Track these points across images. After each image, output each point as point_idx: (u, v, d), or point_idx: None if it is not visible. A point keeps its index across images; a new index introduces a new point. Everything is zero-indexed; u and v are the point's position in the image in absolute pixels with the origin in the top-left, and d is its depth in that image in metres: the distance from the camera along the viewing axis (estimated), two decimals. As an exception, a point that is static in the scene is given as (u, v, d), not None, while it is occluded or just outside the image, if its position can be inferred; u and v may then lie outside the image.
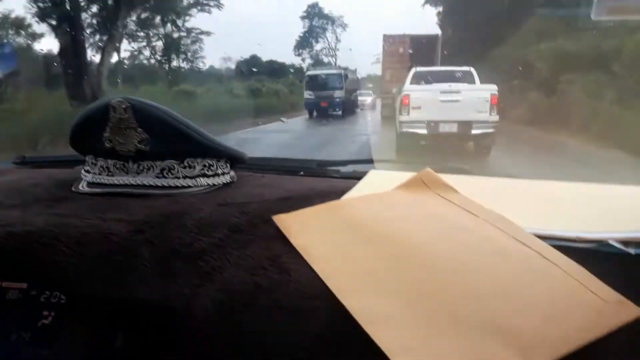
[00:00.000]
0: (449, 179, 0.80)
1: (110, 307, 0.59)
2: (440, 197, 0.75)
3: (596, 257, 0.57)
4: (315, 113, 18.11)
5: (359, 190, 0.84)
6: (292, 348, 0.50)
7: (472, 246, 0.60)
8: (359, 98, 21.54)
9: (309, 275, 0.56)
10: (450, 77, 7.81)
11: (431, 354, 0.45)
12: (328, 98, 17.65)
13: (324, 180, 0.96)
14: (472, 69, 8.14)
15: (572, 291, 0.51)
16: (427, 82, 7.61)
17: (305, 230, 0.66)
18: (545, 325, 0.47)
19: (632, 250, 0.58)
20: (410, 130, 7.00)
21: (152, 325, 0.57)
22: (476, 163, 6.62)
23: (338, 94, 17.62)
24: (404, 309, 0.50)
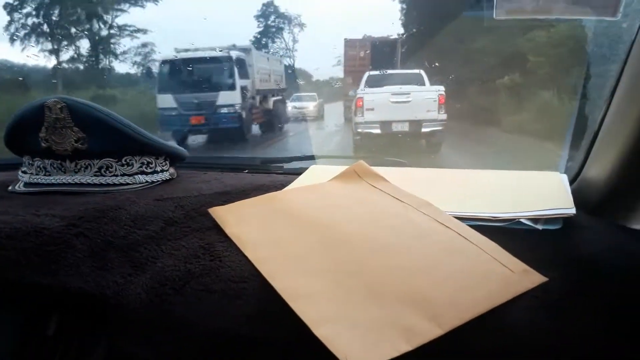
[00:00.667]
0: (382, 170, 0.84)
1: (42, 296, 0.59)
2: (370, 186, 0.79)
3: (509, 233, 0.63)
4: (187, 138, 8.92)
5: (298, 183, 0.87)
6: (222, 329, 0.52)
7: (397, 229, 0.64)
8: (294, 104, 13.79)
9: (240, 261, 0.59)
10: (401, 80, 8.17)
11: (349, 322, 0.47)
12: (205, 107, 8.78)
13: (266, 176, 0.98)
14: (422, 72, 8.51)
15: (484, 264, 0.56)
16: (380, 84, 7.93)
17: (240, 220, 0.69)
18: (457, 294, 0.51)
19: (539, 227, 0.64)
20: (366, 130, 7.38)
21: (85, 313, 0.58)
22: (427, 157, 7.04)
23: (227, 98, 8.93)
24: (327, 286, 0.53)
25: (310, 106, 14.06)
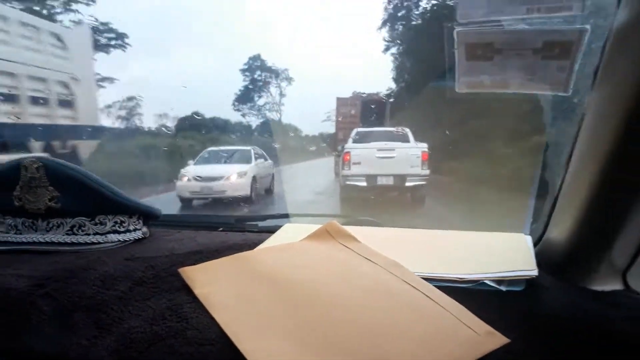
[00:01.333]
0: (355, 230, 0.85)
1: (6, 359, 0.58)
2: (342, 246, 0.80)
3: (474, 294, 0.65)
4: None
5: (271, 242, 0.88)
6: None
7: (367, 289, 0.65)
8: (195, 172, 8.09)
9: (207, 323, 0.59)
10: (387, 136, 8.54)
11: None
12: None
13: (240, 235, 0.99)
14: (407, 129, 8.88)
15: (450, 326, 0.58)
16: (367, 140, 8.29)
17: (210, 280, 0.69)
18: (424, 355, 0.52)
19: (503, 288, 0.66)
20: (352, 183, 7.66)
21: None
22: (411, 210, 7.28)
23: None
24: (294, 349, 0.53)
25: (230, 177, 7.63)
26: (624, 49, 0.54)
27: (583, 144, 0.66)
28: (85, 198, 0.81)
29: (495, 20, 0.52)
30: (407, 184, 7.53)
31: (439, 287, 0.65)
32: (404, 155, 7.70)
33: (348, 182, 7.73)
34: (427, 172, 7.54)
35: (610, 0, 0.50)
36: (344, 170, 7.72)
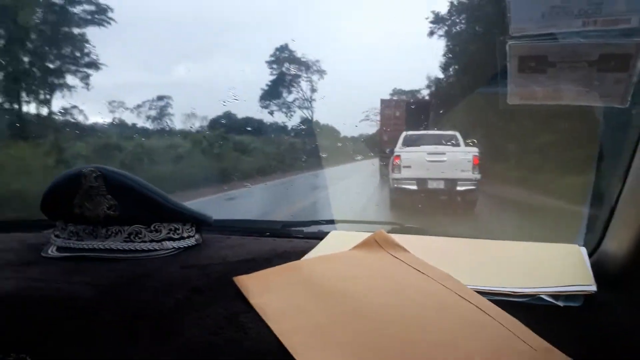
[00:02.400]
0: (402, 239, 0.85)
1: None
2: (391, 256, 0.81)
3: (529, 309, 0.63)
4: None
5: (318, 250, 0.89)
6: None
7: (418, 302, 0.65)
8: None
9: (264, 333, 0.60)
10: (437, 140, 8.47)
11: None
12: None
13: (287, 241, 1.00)
14: (457, 133, 8.79)
15: (506, 341, 0.57)
16: (417, 144, 8.23)
17: (264, 290, 0.70)
18: None
19: (560, 303, 0.64)
20: (402, 186, 7.63)
21: None
22: (461, 215, 7.22)
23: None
24: None
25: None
26: None
27: None
28: (141, 206, 0.85)
29: (549, 34, 0.51)
30: (458, 188, 7.47)
31: (492, 301, 0.64)
32: (454, 159, 7.65)
33: (397, 186, 7.71)
34: (478, 176, 7.47)
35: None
36: (394, 174, 7.71)
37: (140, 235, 0.86)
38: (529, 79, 0.57)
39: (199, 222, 0.95)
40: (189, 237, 0.92)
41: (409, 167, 7.61)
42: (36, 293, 0.70)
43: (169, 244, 0.88)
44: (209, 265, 0.81)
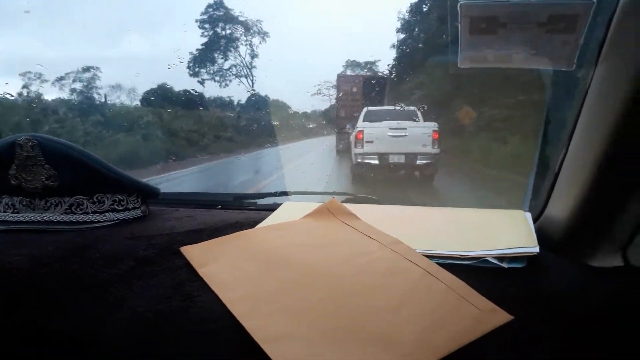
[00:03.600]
0: (354, 208, 0.85)
1: (16, 340, 0.58)
2: (342, 224, 0.80)
3: (476, 271, 0.65)
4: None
5: (270, 220, 0.88)
6: None
7: (367, 268, 0.66)
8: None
9: (212, 301, 0.59)
10: (397, 115, 8.60)
11: None
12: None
13: (239, 213, 0.98)
14: (417, 109, 8.99)
15: (453, 303, 0.58)
16: (377, 119, 8.38)
17: (212, 259, 0.69)
18: (428, 333, 0.52)
19: (505, 265, 0.66)
20: (365, 161, 7.80)
21: (62, 357, 0.57)
22: (419, 187, 7.49)
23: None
24: (300, 327, 0.53)
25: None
26: (631, 23, 0.53)
27: (585, 120, 0.65)
28: (82, 176, 0.81)
29: None
30: (418, 162, 7.64)
31: (440, 265, 0.65)
32: (415, 134, 7.79)
33: (360, 160, 7.84)
34: (438, 150, 7.66)
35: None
36: (357, 149, 7.84)
37: (81, 207, 0.82)
38: (479, 41, 0.57)
39: (145, 194, 0.92)
40: (134, 208, 0.89)
41: (371, 142, 7.75)
42: None
43: (112, 215, 0.85)
44: (155, 236, 0.78)
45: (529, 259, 0.67)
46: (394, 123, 8.04)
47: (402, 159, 7.67)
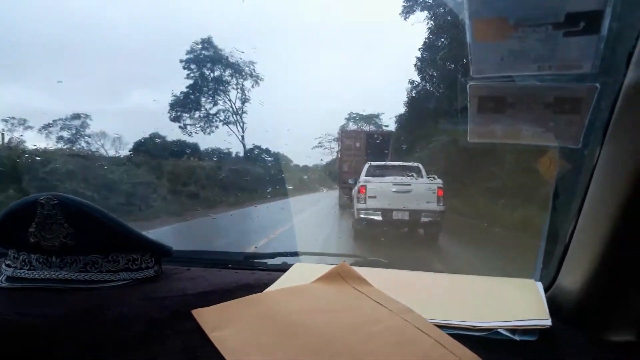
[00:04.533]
0: (364, 272, 0.86)
1: None
2: (354, 290, 0.81)
3: (487, 343, 0.64)
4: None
5: (282, 283, 0.88)
6: None
7: (380, 336, 0.65)
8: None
9: None
10: (400, 171, 8.59)
11: None
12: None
13: (250, 274, 0.99)
14: (420, 165, 9.00)
15: None
16: (381, 174, 8.32)
17: (224, 323, 0.69)
18: None
19: (517, 337, 0.66)
20: (367, 216, 7.62)
21: None
22: (424, 247, 7.21)
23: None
24: None
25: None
26: (633, 106, 0.55)
27: (594, 194, 0.67)
28: (99, 235, 0.82)
29: (507, 76, 0.54)
30: (423, 219, 7.49)
31: (450, 335, 0.65)
32: (420, 190, 7.68)
33: (363, 216, 7.68)
34: (443, 208, 7.53)
35: (620, 60, 0.52)
36: (359, 204, 7.71)
37: (97, 265, 0.83)
38: (488, 119, 0.59)
39: (159, 253, 0.93)
40: (147, 268, 0.90)
41: (374, 197, 7.62)
42: None
43: (126, 275, 0.86)
44: (167, 298, 0.79)
45: (541, 331, 0.66)
46: (398, 178, 7.99)
47: (406, 216, 7.52)
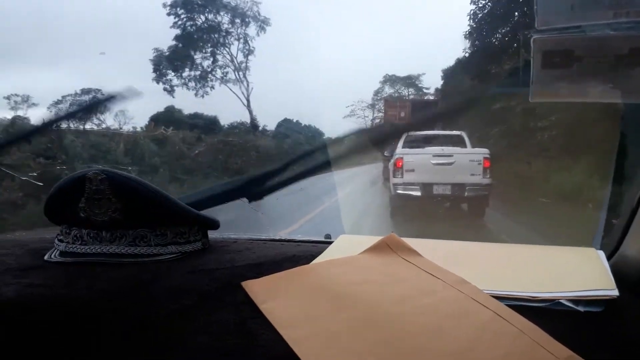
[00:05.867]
0: (413, 242, 0.83)
1: None
2: (404, 261, 0.78)
3: (548, 315, 0.61)
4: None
5: (328, 254, 0.87)
6: None
7: (433, 308, 0.63)
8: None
9: (274, 339, 0.58)
10: (441, 141, 7.86)
11: None
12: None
13: (295, 245, 0.99)
14: (464, 133, 8.25)
15: (526, 348, 0.54)
16: (418, 145, 7.59)
17: (273, 295, 0.68)
18: None
19: (581, 308, 0.62)
20: (405, 192, 7.01)
21: None
22: (469, 225, 6.61)
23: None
24: None
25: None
26: None
27: None
28: (147, 209, 0.83)
29: (576, 26, 0.49)
30: (467, 194, 6.83)
31: (510, 307, 0.62)
32: (463, 161, 7.02)
33: (400, 192, 7.03)
34: (489, 180, 6.87)
35: None
36: (395, 178, 7.08)
37: (145, 239, 0.84)
38: (552, 76, 0.55)
39: (206, 226, 0.93)
40: (195, 240, 0.90)
41: (412, 170, 7.00)
42: (38, 299, 0.68)
43: (174, 248, 0.86)
44: (216, 270, 0.79)
45: (606, 302, 0.63)
46: (438, 149, 7.26)
47: (447, 190, 6.85)
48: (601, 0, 0.46)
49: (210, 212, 0.95)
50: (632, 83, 0.52)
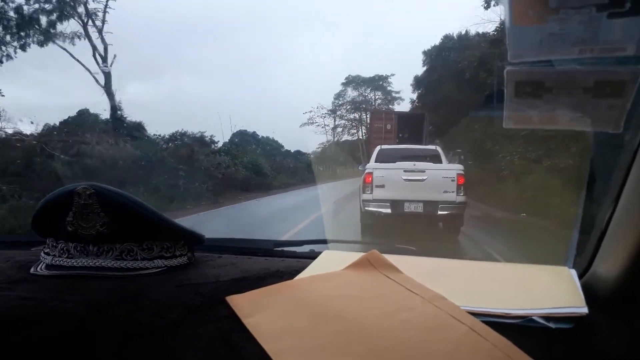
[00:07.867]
0: (394, 259, 0.86)
1: None
2: (385, 277, 0.81)
3: (521, 331, 0.64)
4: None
5: (312, 270, 0.89)
6: None
7: (412, 323, 0.66)
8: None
9: (258, 353, 0.59)
10: (416, 155, 7.46)
11: None
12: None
13: (280, 261, 1.00)
14: (439, 148, 7.93)
15: None
16: (392, 160, 7.18)
17: (257, 309, 0.70)
18: None
19: (552, 325, 0.65)
20: (374, 209, 6.67)
21: None
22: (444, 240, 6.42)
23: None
24: None
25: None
26: None
27: (636, 179, 0.65)
28: (134, 224, 0.84)
29: (546, 60, 0.53)
30: (440, 212, 6.43)
31: (485, 323, 0.64)
32: (436, 178, 6.60)
33: (369, 209, 6.64)
34: (463, 198, 6.49)
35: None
36: (365, 194, 6.67)
37: (132, 253, 0.85)
38: (524, 104, 0.58)
39: (192, 240, 0.95)
40: (181, 255, 0.92)
41: (382, 186, 6.61)
42: (26, 312, 0.69)
43: (160, 262, 0.87)
44: (201, 285, 0.80)
45: (576, 319, 0.66)
46: (409, 164, 6.80)
47: (419, 208, 6.46)
48: (567, 38, 0.49)
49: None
50: (597, 113, 0.55)
